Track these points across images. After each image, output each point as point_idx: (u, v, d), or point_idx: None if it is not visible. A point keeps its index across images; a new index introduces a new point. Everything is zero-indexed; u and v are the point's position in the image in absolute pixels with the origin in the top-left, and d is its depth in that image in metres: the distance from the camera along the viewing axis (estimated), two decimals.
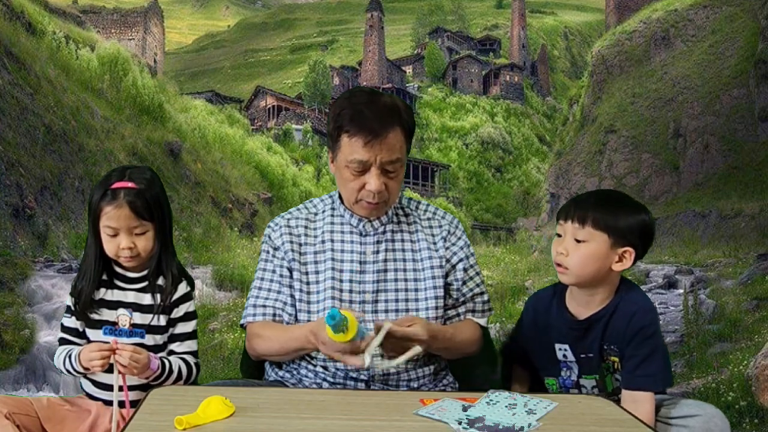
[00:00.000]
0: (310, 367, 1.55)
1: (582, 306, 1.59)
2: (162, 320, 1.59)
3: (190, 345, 1.62)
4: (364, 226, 1.60)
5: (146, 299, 1.59)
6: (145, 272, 1.60)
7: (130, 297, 1.59)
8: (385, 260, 1.58)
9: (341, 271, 1.56)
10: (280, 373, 1.61)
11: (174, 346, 1.60)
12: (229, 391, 1.21)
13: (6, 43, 12.56)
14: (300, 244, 1.60)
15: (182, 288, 1.62)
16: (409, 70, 67.39)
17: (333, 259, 1.57)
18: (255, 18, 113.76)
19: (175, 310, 1.60)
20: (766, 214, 20.39)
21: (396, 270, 1.58)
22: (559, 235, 1.56)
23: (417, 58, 68.67)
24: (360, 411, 1.21)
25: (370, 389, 1.51)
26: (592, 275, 1.52)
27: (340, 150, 1.52)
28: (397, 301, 1.56)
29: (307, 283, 1.58)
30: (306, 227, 1.63)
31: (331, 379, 1.53)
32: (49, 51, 15.87)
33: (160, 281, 1.60)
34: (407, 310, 1.55)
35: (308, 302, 1.57)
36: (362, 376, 1.52)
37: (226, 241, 13.87)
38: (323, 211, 1.65)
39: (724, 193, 24.98)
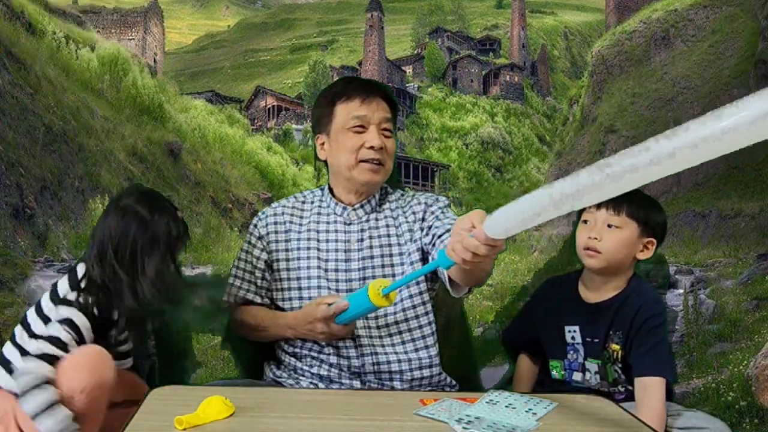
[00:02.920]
0: (306, 360, 1.58)
1: (594, 291, 1.64)
2: None
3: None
4: (348, 215, 1.63)
5: None
6: None
7: None
8: (370, 247, 1.60)
9: (326, 260, 1.59)
10: (278, 372, 1.62)
11: None
12: (229, 391, 1.21)
13: (6, 43, 12.56)
14: (286, 231, 1.64)
15: None
16: (409, 70, 67.40)
17: (318, 249, 1.60)
18: (255, 18, 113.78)
19: None
20: (766, 214, 20.38)
21: (382, 256, 1.60)
22: (585, 222, 1.62)
23: (417, 58, 68.67)
24: (360, 411, 1.21)
25: (368, 389, 1.52)
26: (620, 261, 1.59)
27: (335, 119, 1.59)
28: None
29: (297, 269, 1.61)
30: (292, 215, 1.67)
31: (326, 372, 1.55)
32: (49, 51, 15.87)
33: None
34: None
35: (298, 288, 1.60)
36: (354, 369, 1.54)
37: (226, 241, 13.87)
38: (311, 202, 1.69)
39: (724, 193, 24.97)
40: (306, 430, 1.10)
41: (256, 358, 1.73)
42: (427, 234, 1.60)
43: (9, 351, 1.47)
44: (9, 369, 1.44)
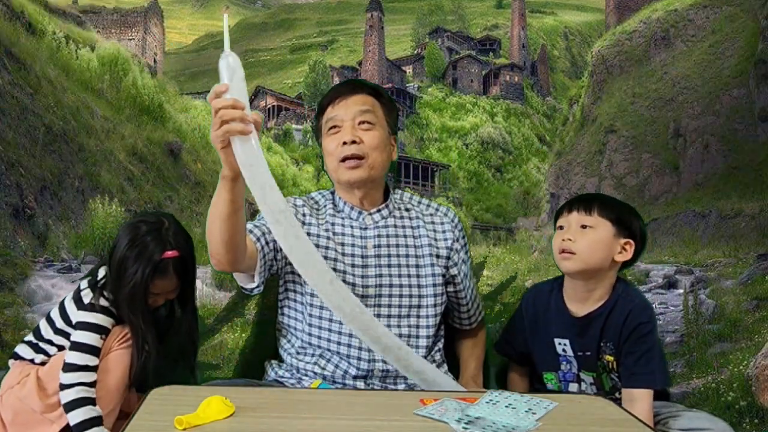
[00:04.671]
0: (308, 366, 1.57)
1: (579, 302, 1.60)
2: None
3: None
4: (363, 220, 1.61)
5: None
6: None
7: None
8: (389, 255, 1.58)
9: (343, 263, 1.57)
10: (280, 372, 1.61)
11: None
12: (229, 391, 1.21)
13: (6, 43, 12.57)
14: (305, 224, 1.60)
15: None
16: (409, 70, 67.41)
17: (336, 250, 1.57)
18: (255, 18, 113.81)
19: None
20: (766, 214, 20.39)
21: (399, 265, 1.59)
22: (561, 228, 1.60)
23: (417, 58, 68.68)
24: (360, 411, 1.21)
25: (370, 389, 1.52)
26: (598, 262, 1.55)
27: (321, 129, 1.61)
28: (401, 296, 1.57)
29: None
30: (311, 210, 1.64)
31: (330, 374, 1.54)
32: (49, 51, 15.87)
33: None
34: (410, 306, 1.57)
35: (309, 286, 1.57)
36: (360, 373, 1.52)
37: None
38: (324, 206, 1.66)
39: (724, 193, 24.98)
40: (306, 430, 1.10)
41: (257, 357, 1.73)
42: (448, 270, 1.64)
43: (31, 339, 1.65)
44: (37, 348, 1.61)
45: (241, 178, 1.28)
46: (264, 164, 1.26)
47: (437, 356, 1.62)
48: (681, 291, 9.19)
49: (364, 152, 1.55)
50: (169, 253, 1.53)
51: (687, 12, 36.36)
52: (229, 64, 1.26)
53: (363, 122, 1.57)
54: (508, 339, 1.74)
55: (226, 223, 1.35)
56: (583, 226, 1.57)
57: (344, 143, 1.54)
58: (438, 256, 1.62)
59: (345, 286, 1.37)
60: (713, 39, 33.99)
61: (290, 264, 1.57)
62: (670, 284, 10.85)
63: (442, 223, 1.66)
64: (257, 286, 1.52)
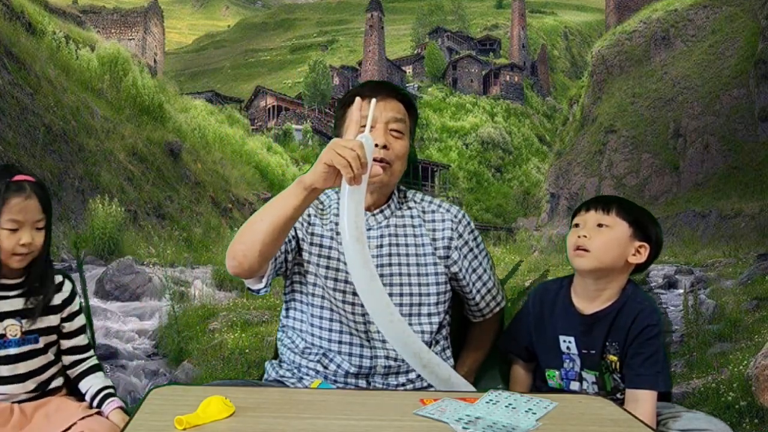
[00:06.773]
0: (311, 365, 1.56)
1: (588, 301, 1.61)
2: (54, 320, 1.56)
3: (82, 339, 1.62)
4: (367, 221, 1.60)
5: (31, 303, 1.53)
6: (23, 278, 1.53)
7: (17, 304, 1.52)
8: (390, 254, 1.59)
9: (345, 263, 1.55)
10: (281, 372, 1.61)
11: (68, 343, 1.60)
12: (229, 391, 1.21)
13: (6, 43, 12.59)
14: (309, 224, 1.61)
15: (68, 286, 1.59)
16: (409, 70, 67.44)
17: (339, 251, 1.57)
18: (255, 18, 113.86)
19: (68, 308, 1.58)
20: (766, 214, 20.43)
21: (400, 264, 1.59)
22: (577, 225, 1.61)
23: (417, 58, 68.72)
24: (360, 411, 1.21)
25: (370, 389, 1.52)
26: (611, 261, 1.56)
27: (345, 122, 1.60)
28: (401, 295, 1.57)
29: (315, 263, 1.58)
30: (316, 208, 1.64)
31: (333, 376, 1.54)
32: (49, 51, 15.91)
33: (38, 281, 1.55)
34: (410, 304, 1.57)
35: (313, 284, 1.58)
36: (363, 371, 1.52)
37: (226, 241, 13.78)
38: (329, 206, 1.66)
39: (724, 193, 25.02)
40: (306, 430, 1.10)
41: (257, 357, 1.73)
42: (448, 269, 1.63)
43: None
44: None
45: (315, 194, 1.34)
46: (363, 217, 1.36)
47: (436, 349, 1.62)
48: (681, 291, 9.19)
49: (391, 159, 1.56)
50: (23, 177, 1.49)
51: (687, 12, 36.39)
52: (369, 145, 1.36)
53: (394, 130, 1.58)
54: (513, 335, 1.74)
55: (277, 228, 1.36)
56: (600, 225, 1.58)
57: (375, 145, 1.52)
58: (438, 256, 1.62)
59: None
60: (713, 39, 34.01)
61: (298, 265, 1.59)
62: (670, 284, 10.86)
63: (443, 221, 1.66)
64: (264, 287, 1.52)
